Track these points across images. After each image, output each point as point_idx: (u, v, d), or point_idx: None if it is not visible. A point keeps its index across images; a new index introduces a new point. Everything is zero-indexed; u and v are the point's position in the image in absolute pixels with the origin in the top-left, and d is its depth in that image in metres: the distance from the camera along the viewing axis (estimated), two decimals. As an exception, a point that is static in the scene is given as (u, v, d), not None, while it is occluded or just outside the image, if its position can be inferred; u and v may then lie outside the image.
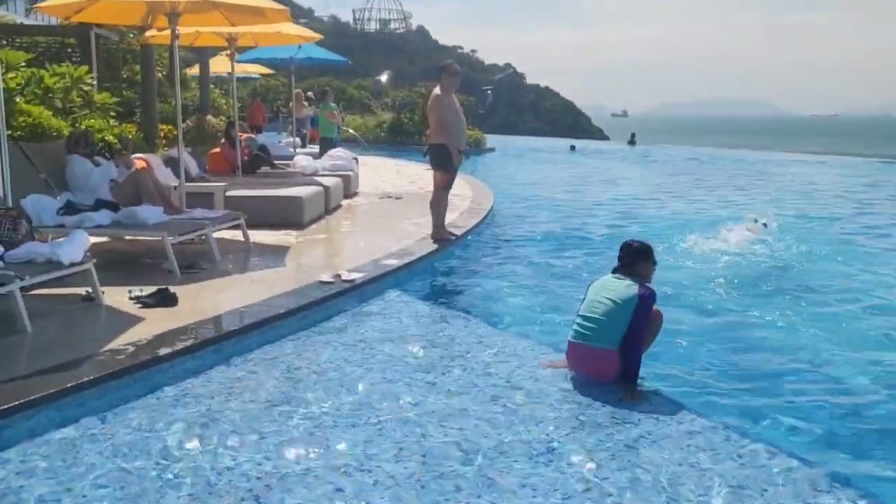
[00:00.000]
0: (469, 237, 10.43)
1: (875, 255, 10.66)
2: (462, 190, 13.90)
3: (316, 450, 4.07)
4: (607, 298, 5.15)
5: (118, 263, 7.95)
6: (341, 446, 4.12)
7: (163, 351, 5.11)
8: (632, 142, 35.77)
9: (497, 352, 5.79)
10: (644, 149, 34.91)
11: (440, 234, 9.55)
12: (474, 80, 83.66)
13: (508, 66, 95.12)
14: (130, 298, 6.31)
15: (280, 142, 18.78)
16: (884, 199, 17.95)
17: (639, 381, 5.07)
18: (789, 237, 11.26)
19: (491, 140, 31.92)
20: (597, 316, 5.15)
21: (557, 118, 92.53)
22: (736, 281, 8.51)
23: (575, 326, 5.30)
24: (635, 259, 5.37)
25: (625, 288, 5.16)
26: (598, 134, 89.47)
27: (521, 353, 5.77)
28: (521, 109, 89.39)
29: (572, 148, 32.01)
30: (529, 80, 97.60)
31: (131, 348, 5.13)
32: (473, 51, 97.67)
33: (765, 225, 12.05)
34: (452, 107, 9.37)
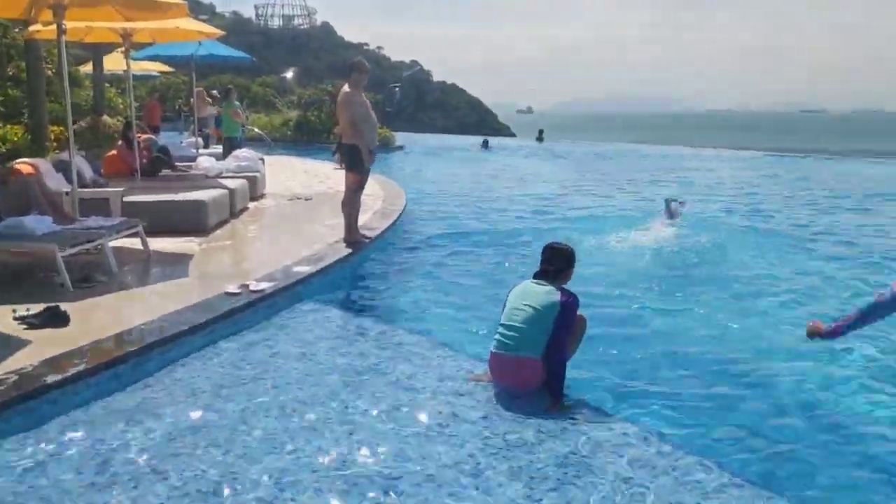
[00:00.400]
0: (383, 239, 10.15)
1: (786, 247, 10.95)
2: (373, 190, 13.57)
3: (227, 484, 3.72)
4: (528, 305, 4.96)
5: (3, 279, 7.32)
6: (254, 476, 3.79)
7: (51, 378, 4.64)
8: (540, 138, 36.03)
9: (418, 366, 5.53)
10: (551, 145, 35.26)
11: (353, 237, 9.23)
12: (381, 78, 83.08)
13: (415, 63, 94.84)
14: (15, 319, 5.76)
15: (182, 142, 18.00)
16: (781, 191, 18.71)
17: (564, 390, 4.91)
18: (704, 230, 11.49)
19: (400, 138, 31.60)
20: (518, 324, 4.95)
21: (464, 115, 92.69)
22: (657, 278, 8.53)
23: (497, 336, 5.08)
24: (564, 265, 5.20)
25: (546, 294, 4.99)
26: (505, 131, 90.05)
27: (444, 366, 5.53)
28: (428, 107, 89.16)
29: (485, 144, 31.95)
30: (436, 78, 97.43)
31: (14, 377, 4.63)
32: (380, 47, 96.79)
33: (682, 203, 12.25)
34: (364, 105, 9.06)
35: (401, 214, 11.69)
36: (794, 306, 7.64)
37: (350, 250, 8.87)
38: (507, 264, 9.23)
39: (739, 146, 41.32)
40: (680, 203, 12.14)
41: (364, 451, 4.12)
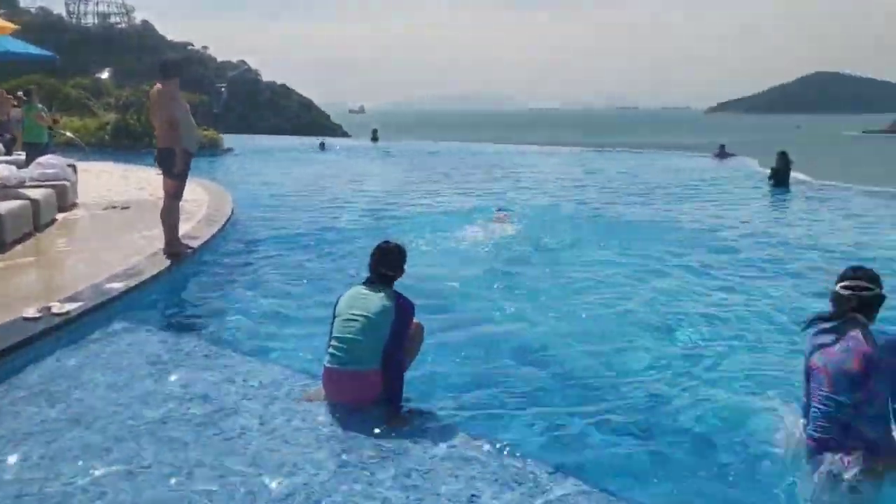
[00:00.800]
0: (209, 248, 9.52)
1: (615, 236, 11.37)
2: (197, 195, 12.82)
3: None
4: (360, 314, 4.65)
5: None
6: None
7: None
8: (374, 138, 35.84)
9: (246, 386, 5.08)
10: (386, 144, 35.17)
11: (174, 248, 8.55)
12: (207, 78, 79.96)
13: (243, 62, 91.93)
14: None
15: (-23, 149, 16.23)
16: (603, 182, 19.88)
17: (403, 401, 4.65)
18: (537, 224, 11.97)
19: (229, 140, 30.41)
20: (350, 335, 4.63)
21: (296, 115, 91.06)
22: (496, 275, 8.49)
23: (329, 349, 4.73)
24: (395, 266, 4.92)
25: (380, 301, 4.70)
26: (338, 130, 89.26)
27: (275, 386, 5.10)
28: (259, 107, 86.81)
29: (322, 146, 31.38)
30: (266, 78, 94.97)
31: None
32: (205, 47, 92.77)
33: (505, 212, 12.73)
34: (181, 107, 8.42)
35: (228, 221, 11.08)
36: (630, 294, 7.90)
37: (170, 262, 8.22)
38: (343, 269, 8.89)
39: (566, 142, 43.13)
40: (505, 214, 12.53)
41: (184, 487, 3.67)
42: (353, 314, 4.67)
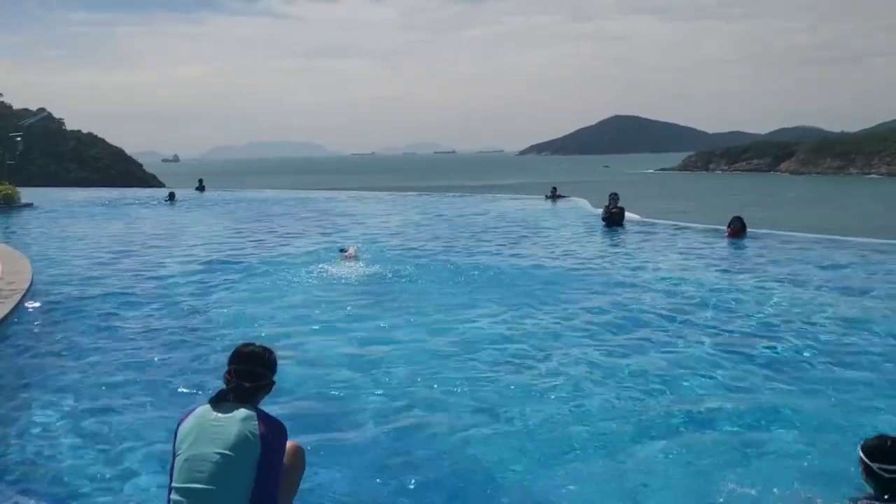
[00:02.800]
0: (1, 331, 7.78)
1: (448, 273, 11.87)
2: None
3: None
4: (213, 452, 3.31)
5: None
6: None
7: None
8: (200, 188, 33.68)
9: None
10: (214, 194, 33.01)
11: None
12: (2, 128, 73.52)
13: (42, 110, 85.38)
14: None
15: None
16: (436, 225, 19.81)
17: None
18: (378, 262, 12.62)
19: (28, 194, 27.24)
20: (201, 485, 3.27)
21: (107, 166, 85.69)
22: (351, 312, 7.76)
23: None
24: (262, 375, 3.64)
25: (239, 428, 3.37)
26: (153, 181, 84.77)
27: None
28: (63, 158, 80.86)
29: (171, 196, 28.86)
30: (70, 126, 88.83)
31: None
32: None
33: (344, 250, 13.23)
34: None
35: (26, 294, 9.26)
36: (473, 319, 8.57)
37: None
38: (192, 357, 7.25)
39: (388, 187, 43.16)
40: (348, 252, 13.01)
41: None
42: (203, 452, 3.33)
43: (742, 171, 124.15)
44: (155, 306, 9.43)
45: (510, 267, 12.71)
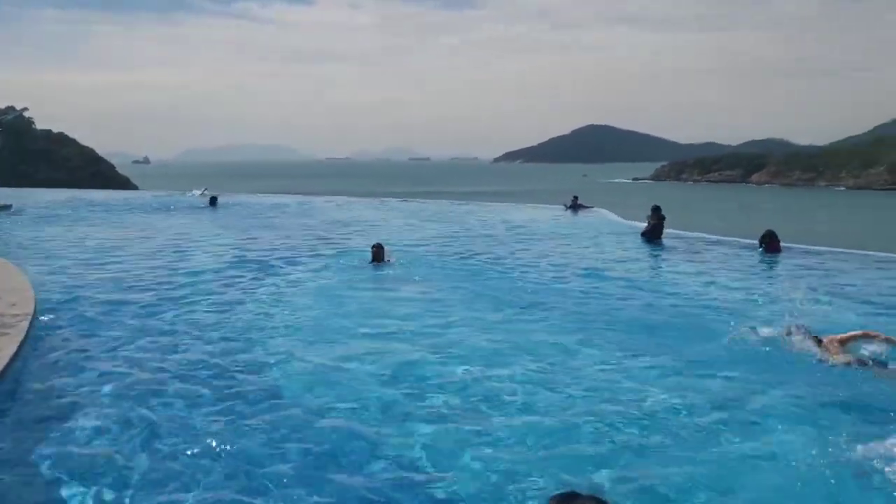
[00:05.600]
0: (8, 379, 6.10)
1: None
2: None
3: None
4: None
5: None
6: None
7: None
8: (211, 201, 31.16)
9: None
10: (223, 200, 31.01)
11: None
12: (-32, 125, 70.70)
13: (11, 108, 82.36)
14: None
15: None
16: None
17: None
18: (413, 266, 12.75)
19: (4, 195, 25.32)
20: None
21: (78, 166, 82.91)
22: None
23: None
24: None
25: None
26: (126, 183, 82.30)
27: None
28: (33, 158, 77.98)
29: (213, 200, 27.02)
30: (40, 126, 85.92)
31: None
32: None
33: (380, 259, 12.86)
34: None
35: (33, 318, 7.59)
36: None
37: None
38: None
39: (388, 193, 41.94)
40: (390, 260, 12.94)
41: None
42: None
43: (714, 181, 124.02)
44: (203, 307, 8.96)
45: (587, 294, 11.05)
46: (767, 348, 7.54)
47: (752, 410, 5.79)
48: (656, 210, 17.36)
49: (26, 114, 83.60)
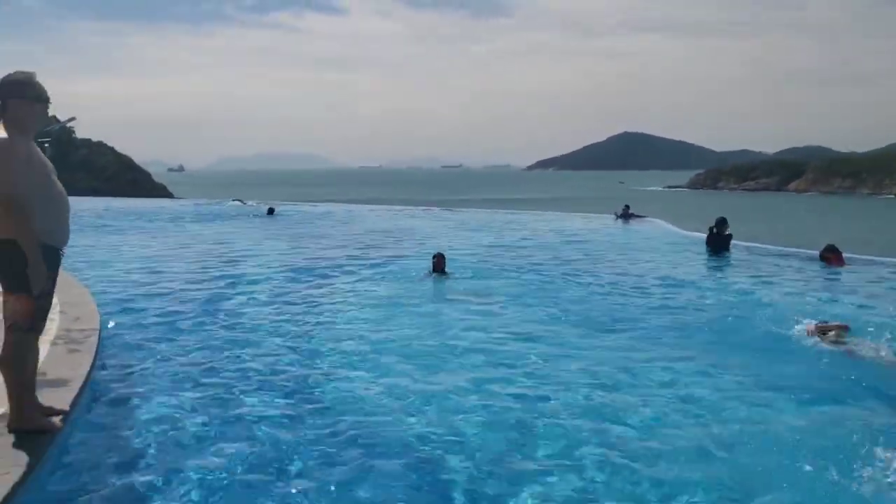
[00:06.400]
0: (86, 401, 5.57)
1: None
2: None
3: None
4: None
5: None
6: None
7: None
8: (269, 210, 31.20)
9: None
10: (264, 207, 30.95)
11: (30, 422, 4.60)
12: (11, 134, 71.62)
13: (54, 118, 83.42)
14: None
15: None
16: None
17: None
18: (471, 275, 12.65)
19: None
20: None
21: (115, 175, 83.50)
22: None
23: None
24: None
25: None
26: (163, 191, 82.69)
27: None
28: (73, 167, 78.63)
29: (270, 212, 27.06)
30: (80, 135, 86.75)
31: None
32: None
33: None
34: (31, 162, 4.66)
35: (100, 337, 7.08)
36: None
37: (26, 454, 4.33)
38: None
39: (426, 200, 41.89)
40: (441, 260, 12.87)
41: None
42: None
43: (751, 189, 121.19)
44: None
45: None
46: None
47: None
48: (723, 222, 16.67)
49: (72, 124, 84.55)
